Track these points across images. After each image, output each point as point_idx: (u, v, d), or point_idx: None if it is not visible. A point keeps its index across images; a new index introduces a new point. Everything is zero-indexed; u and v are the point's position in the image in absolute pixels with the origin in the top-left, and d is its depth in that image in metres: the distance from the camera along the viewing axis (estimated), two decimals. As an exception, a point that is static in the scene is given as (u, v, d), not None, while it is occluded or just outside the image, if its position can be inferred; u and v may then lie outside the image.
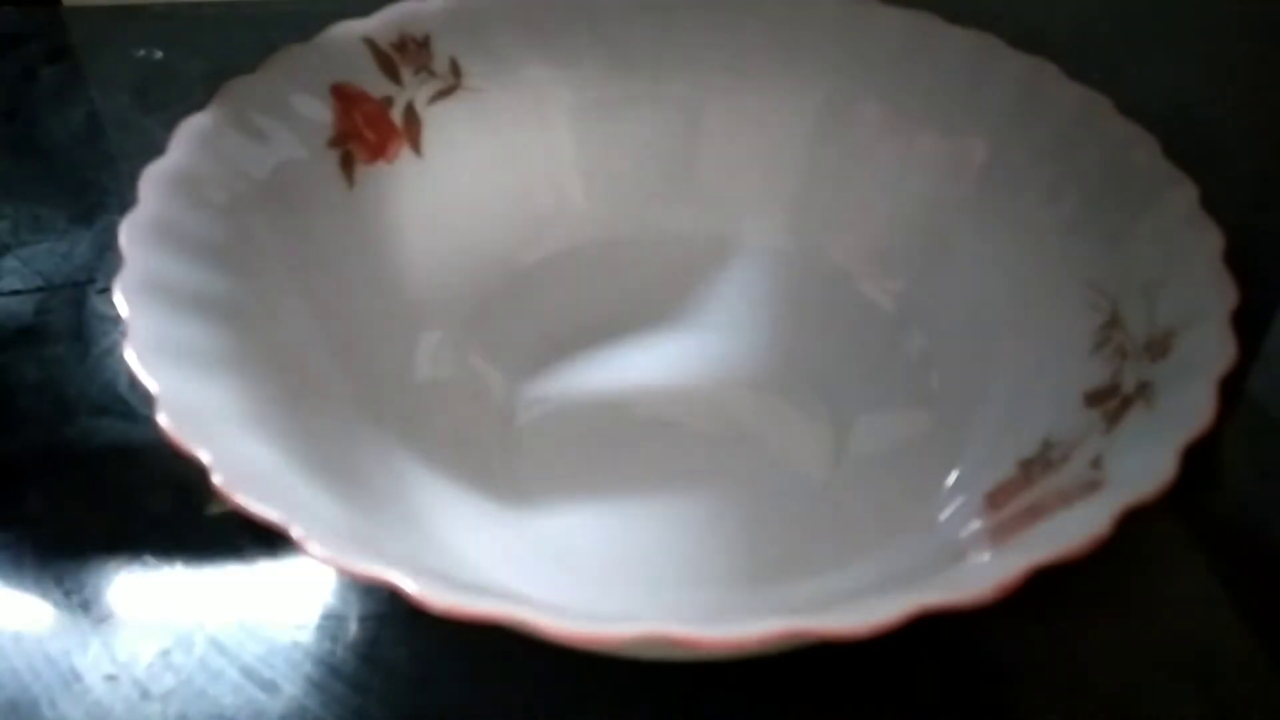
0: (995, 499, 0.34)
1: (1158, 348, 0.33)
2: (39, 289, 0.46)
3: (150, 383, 0.30)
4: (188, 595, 0.36)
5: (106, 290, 0.32)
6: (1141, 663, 0.35)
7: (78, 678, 0.34)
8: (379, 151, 0.42)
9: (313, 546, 0.27)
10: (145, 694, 0.34)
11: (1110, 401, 0.33)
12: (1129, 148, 0.38)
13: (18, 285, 0.47)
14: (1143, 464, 0.30)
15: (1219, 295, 0.33)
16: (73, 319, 0.45)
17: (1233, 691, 0.35)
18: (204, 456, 0.29)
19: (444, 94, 0.44)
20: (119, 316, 0.32)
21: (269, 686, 0.34)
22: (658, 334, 0.44)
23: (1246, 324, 0.32)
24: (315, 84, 0.41)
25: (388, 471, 0.37)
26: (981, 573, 0.28)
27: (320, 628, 0.35)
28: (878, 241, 0.41)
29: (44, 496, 0.39)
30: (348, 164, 0.42)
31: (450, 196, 0.44)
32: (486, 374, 0.42)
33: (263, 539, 0.37)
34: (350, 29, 0.42)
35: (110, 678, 0.34)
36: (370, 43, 0.43)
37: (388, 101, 0.43)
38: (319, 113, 0.41)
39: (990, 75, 0.42)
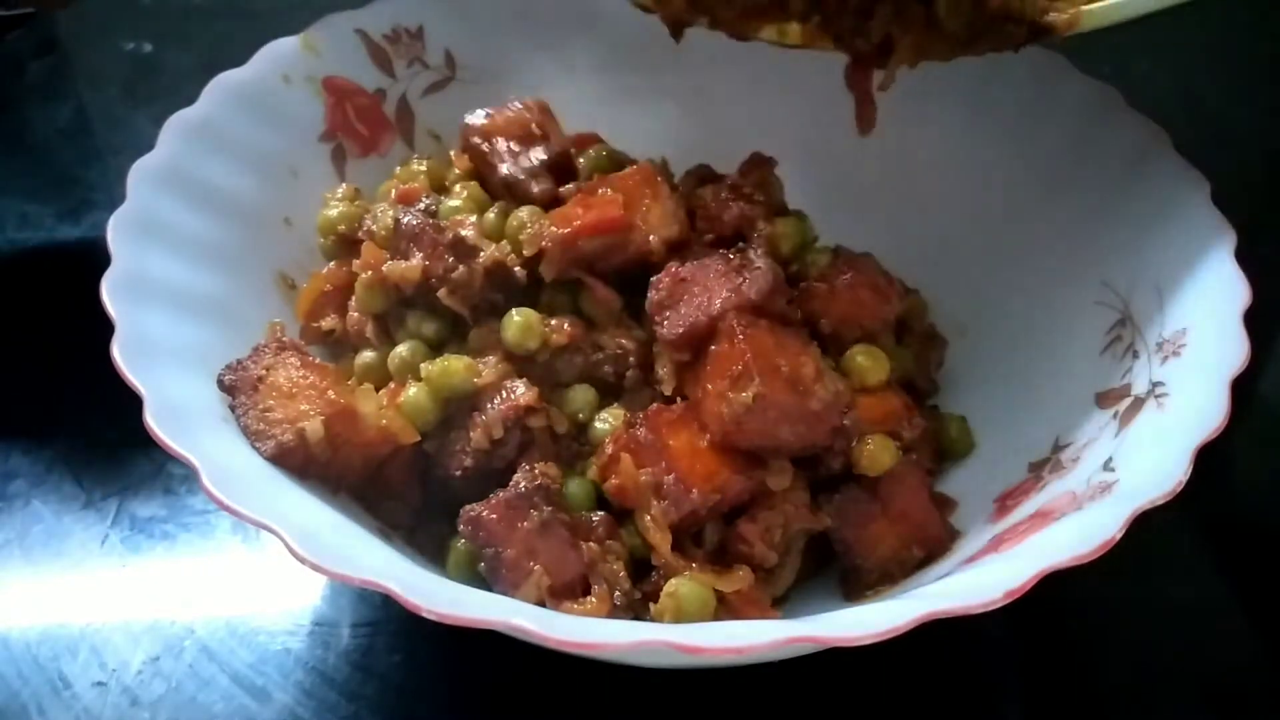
0: (1005, 502, 0.34)
1: (1169, 347, 0.33)
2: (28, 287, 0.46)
3: (138, 383, 0.30)
4: (178, 601, 0.36)
5: (94, 289, 0.32)
6: (1149, 665, 0.35)
7: (66, 684, 0.34)
8: (371, 145, 0.42)
9: (304, 554, 0.27)
10: (135, 701, 0.33)
11: (1122, 402, 0.33)
12: (1142, 142, 0.38)
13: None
14: (1154, 466, 0.29)
15: (1231, 293, 0.32)
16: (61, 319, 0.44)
17: (1241, 694, 0.34)
18: (192, 459, 0.28)
19: (438, 86, 0.44)
20: (107, 315, 0.31)
21: (260, 694, 0.34)
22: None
23: (1258, 322, 0.32)
24: (306, 77, 0.41)
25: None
26: (990, 578, 0.27)
27: (312, 634, 0.35)
28: (884, 240, 0.40)
29: (32, 499, 0.39)
30: (339, 158, 0.41)
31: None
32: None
33: (253, 544, 0.37)
34: (342, 20, 0.42)
35: (99, 684, 0.34)
36: (363, 34, 0.42)
37: (380, 94, 0.42)
38: (310, 106, 0.41)
39: (1000, 69, 0.41)
